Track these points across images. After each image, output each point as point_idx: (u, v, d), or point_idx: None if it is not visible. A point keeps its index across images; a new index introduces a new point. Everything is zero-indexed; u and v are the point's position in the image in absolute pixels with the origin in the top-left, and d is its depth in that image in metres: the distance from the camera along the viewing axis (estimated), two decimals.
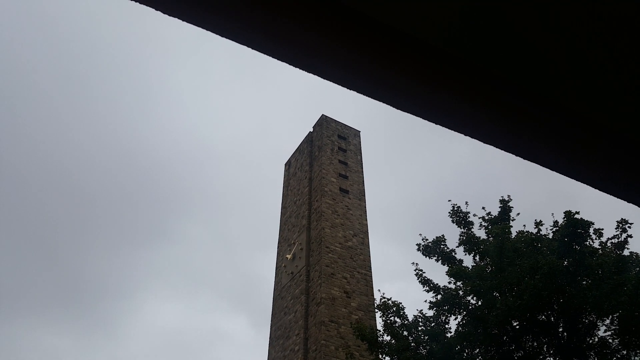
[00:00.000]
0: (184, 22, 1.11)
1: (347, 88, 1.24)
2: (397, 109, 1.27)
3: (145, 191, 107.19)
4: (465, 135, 1.32)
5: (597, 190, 1.43)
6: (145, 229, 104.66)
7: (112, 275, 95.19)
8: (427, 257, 16.69)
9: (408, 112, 1.27)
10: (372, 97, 1.25)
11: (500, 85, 1.19)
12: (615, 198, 1.43)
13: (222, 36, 1.12)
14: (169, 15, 1.10)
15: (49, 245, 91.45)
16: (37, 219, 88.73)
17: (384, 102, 1.26)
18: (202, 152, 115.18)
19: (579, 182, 1.40)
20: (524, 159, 1.37)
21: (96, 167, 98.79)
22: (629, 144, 1.26)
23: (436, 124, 1.30)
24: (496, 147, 1.36)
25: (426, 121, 1.30)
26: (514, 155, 1.38)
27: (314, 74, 1.21)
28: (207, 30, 1.12)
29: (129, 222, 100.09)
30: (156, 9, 1.08)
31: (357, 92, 1.24)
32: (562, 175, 1.40)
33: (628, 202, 1.41)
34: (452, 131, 1.33)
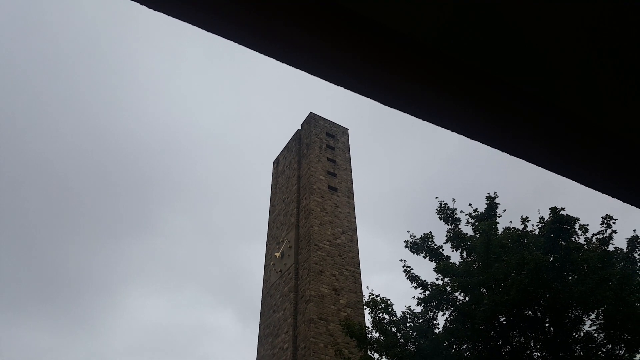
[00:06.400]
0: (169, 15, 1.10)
1: (337, 85, 1.23)
2: (388, 106, 1.26)
3: (126, 181, 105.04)
4: (459, 133, 1.31)
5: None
6: (126, 221, 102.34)
7: (92, 269, 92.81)
8: (415, 254, 16.78)
9: (399, 110, 1.26)
10: (360, 94, 1.24)
11: (494, 84, 1.18)
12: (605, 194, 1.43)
13: (208, 31, 1.11)
14: (159, 11, 1.08)
15: (26, 238, 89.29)
16: (13, 211, 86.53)
17: (372, 99, 1.25)
18: (184, 142, 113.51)
19: (571, 180, 1.40)
20: (516, 156, 1.36)
21: (75, 157, 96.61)
22: (625, 145, 1.25)
23: (429, 122, 1.29)
24: (486, 145, 1.35)
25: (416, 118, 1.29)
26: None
27: (301, 70, 1.19)
28: (195, 26, 1.11)
29: (109, 213, 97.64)
30: (141, 4, 1.06)
31: (345, 88, 1.23)
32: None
33: (624, 202, 1.41)
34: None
